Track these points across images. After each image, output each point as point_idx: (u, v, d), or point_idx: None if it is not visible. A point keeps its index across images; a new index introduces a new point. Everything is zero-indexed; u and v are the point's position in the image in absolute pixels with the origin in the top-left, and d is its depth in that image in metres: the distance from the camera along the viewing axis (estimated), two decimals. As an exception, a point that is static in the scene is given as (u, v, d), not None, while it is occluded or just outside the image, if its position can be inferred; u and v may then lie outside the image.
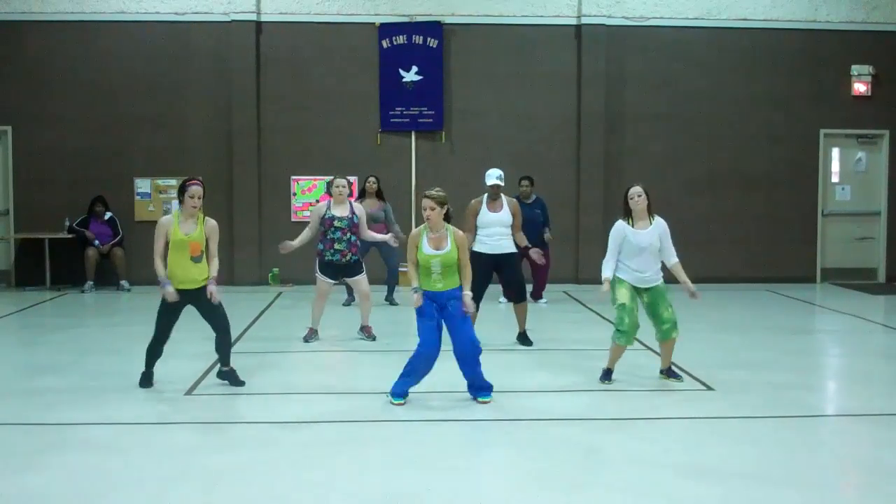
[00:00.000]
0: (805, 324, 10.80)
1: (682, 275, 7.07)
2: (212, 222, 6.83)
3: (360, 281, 8.82)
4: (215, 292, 6.77)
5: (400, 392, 6.46)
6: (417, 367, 6.43)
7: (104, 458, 5.28)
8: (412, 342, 6.67)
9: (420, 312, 6.44)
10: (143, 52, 13.36)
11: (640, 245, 6.95)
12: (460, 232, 6.61)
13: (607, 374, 7.17)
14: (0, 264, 13.58)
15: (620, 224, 7.06)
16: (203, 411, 6.50)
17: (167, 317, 6.81)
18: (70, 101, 13.28)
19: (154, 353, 6.93)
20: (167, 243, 6.73)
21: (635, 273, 6.99)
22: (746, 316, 10.85)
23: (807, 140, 13.94)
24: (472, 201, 8.74)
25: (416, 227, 6.78)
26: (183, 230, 6.70)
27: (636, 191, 7.04)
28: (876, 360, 8.55)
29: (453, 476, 4.99)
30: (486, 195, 8.71)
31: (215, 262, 6.85)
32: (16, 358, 8.44)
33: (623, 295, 6.99)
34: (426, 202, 6.43)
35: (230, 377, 7.01)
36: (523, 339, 8.77)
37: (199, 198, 6.70)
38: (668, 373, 7.25)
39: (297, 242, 8.75)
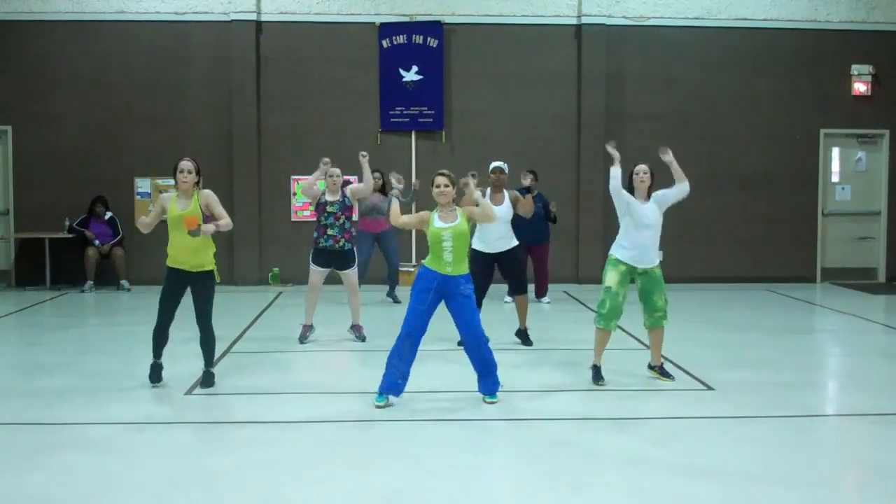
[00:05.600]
0: (805, 324, 10.80)
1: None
2: (206, 192, 6.85)
3: (350, 274, 8.83)
4: (206, 228, 6.66)
5: (385, 387, 6.30)
6: (398, 348, 6.29)
7: (104, 458, 5.28)
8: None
9: (414, 294, 6.34)
10: (143, 52, 13.36)
11: (644, 220, 6.85)
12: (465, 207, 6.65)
13: (597, 373, 7.06)
14: (0, 264, 13.58)
15: (627, 193, 6.98)
16: (203, 411, 6.50)
17: (168, 300, 6.84)
18: (70, 101, 13.28)
19: (160, 338, 6.92)
20: (161, 220, 6.89)
21: (634, 252, 6.88)
22: (746, 316, 10.84)
23: (807, 140, 13.94)
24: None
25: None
26: (178, 207, 6.74)
27: (642, 168, 7.00)
28: (876, 360, 8.55)
29: (453, 476, 4.99)
30: (489, 188, 8.63)
31: (226, 219, 6.85)
32: (16, 358, 8.44)
33: (612, 279, 6.91)
34: (441, 179, 6.40)
35: (205, 377, 6.97)
36: (523, 337, 8.70)
37: (188, 172, 6.73)
38: (661, 371, 7.18)
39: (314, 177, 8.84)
